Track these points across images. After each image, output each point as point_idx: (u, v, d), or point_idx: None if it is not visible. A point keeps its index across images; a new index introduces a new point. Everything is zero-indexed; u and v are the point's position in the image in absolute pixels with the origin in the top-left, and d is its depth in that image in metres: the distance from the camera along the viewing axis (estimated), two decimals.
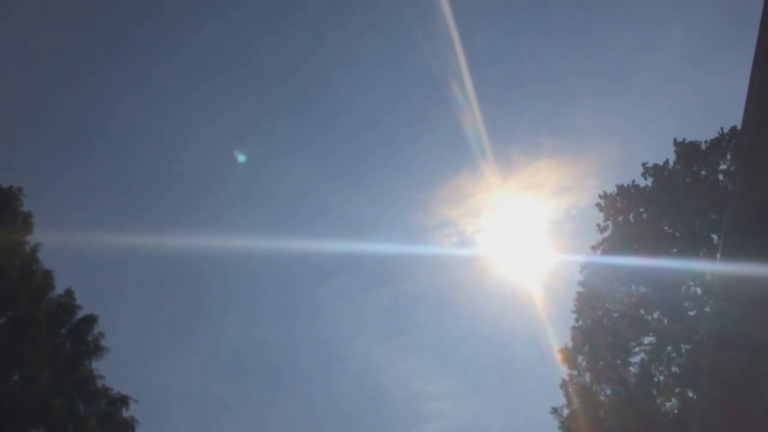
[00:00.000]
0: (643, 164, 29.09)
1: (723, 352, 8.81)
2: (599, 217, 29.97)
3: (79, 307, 23.97)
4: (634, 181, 29.28)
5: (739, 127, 24.39)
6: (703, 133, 32.57)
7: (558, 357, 29.28)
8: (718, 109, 38.02)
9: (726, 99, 33.56)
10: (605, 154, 42.99)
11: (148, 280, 43.50)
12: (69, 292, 23.94)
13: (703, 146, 27.68)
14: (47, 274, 23.13)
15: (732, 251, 7.54)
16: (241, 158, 41.96)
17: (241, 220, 48.03)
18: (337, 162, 48.32)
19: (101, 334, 23.89)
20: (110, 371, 24.38)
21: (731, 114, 27.83)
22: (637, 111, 43.09)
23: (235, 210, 48.84)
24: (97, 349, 23.64)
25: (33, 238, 23.29)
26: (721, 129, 27.58)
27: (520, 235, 38.38)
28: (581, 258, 30.11)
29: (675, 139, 28.50)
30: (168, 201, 48.10)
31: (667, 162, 28.40)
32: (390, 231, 49.04)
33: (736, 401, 9.67)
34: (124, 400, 23.76)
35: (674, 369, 26.93)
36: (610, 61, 42.89)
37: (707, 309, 24.11)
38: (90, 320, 23.82)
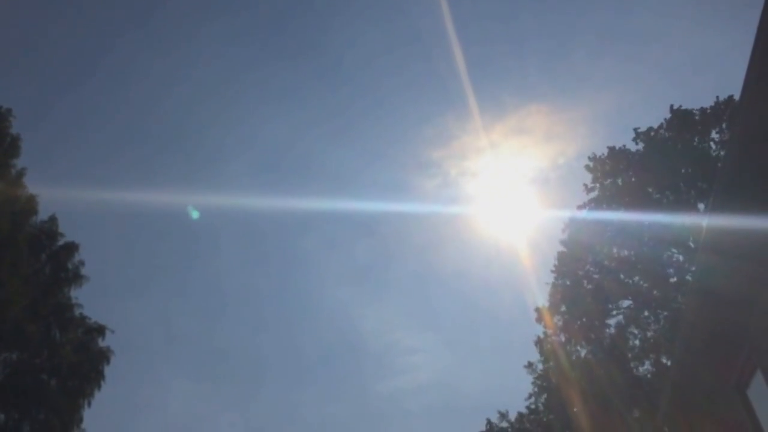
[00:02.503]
0: (635, 129, 29.01)
1: (707, 303, 8.80)
2: (587, 169, 29.88)
3: (61, 234, 23.75)
4: (624, 145, 29.24)
5: (735, 96, 24.26)
6: (701, 88, 32.11)
7: (535, 315, 29.47)
8: (719, 63, 37.53)
9: (727, 55, 33.11)
10: (599, 102, 42.33)
11: (134, 219, 43.25)
12: (52, 219, 23.66)
13: (698, 114, 27.56)
14: (31, 199, 22.74)
15: (723, 204, 7.47)
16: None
17: (225, 165, 47.82)
18: (321, 111, 47.91)
19: (81, 263, 23.67)
20: (89, 301, 24.29)
21: (731, 71, 27.49)
22: (635, 60, 42.38)
23: (220, 154, 48.57)
24: (76, 277, 23.41)
25: (20, 163, 22.94)
26: (717, 98, 27.46)
27: (506, 181, 37.74)
28: (566, 214, 29.97)
29: (672, 106, 28.38)
30: (154, 142, 47.79)
31: (660, 126, 28.29)
32: (374, 178, 48.83)
33: (716, 351, 9.72)
34: (100, 330, 23.64)
35: (650, 334, 27.15)
36: (611, 4, 42.14)
37: (689, 277, 24.24)
38: (71, 248, 23.58)
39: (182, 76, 45.69)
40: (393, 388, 52.23)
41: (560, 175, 41.11)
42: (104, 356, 23.27)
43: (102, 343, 23.51)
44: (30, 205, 22.77)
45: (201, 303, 52.24)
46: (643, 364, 27.07)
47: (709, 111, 27.28)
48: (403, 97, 48.80)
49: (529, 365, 30.09)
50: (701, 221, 23.33)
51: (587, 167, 29.70)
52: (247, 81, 45.97)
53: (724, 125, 26.79)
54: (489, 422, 32.01)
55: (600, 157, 29.50)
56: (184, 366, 49.06)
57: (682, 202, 26.43)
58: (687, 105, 28.10)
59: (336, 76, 47.31)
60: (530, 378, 30.80)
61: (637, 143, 28.99)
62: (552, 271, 28.99)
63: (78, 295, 23.53)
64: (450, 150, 42.48)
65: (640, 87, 42.89)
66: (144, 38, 43.47)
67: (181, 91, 44.91)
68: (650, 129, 28.59)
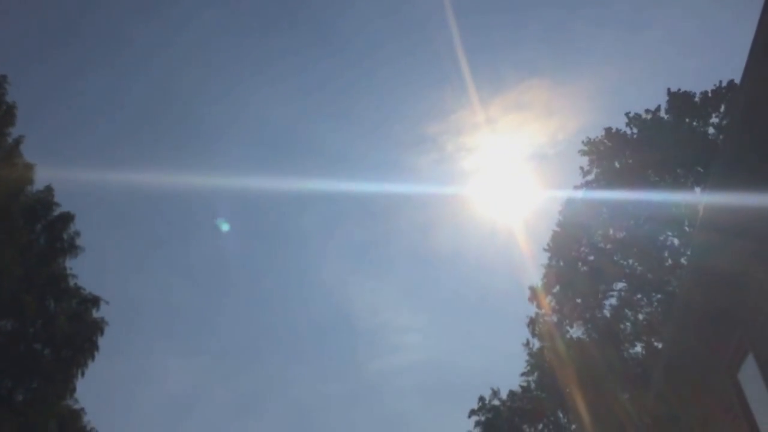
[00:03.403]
0: (626, 114, 28.92)
1: (703, 282, 8.81)
2: (583, 154, 29.75)
3: (57, 205, 23.63)
4: (620, 130, 29.17)
5: (737, 81, 24.11)
6: (706, 62, 31.62)
7: (528, 294, 29.49)
8: (725, 37, 37.06)
9: (734, 28, 32.73)
10: (601, 75, 41.90)
11: (131, 194, 43.15)
12: (48, 188, 23.52)
13: (698, 97, 27.48)
14: (28, 168, 22.60)
15: (722, 182, 7.45)
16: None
17: (220, 140, 47.61)
18: (314, 85, 47.63)
19: (77, 233, 23.60)
20: (87, 275, 24.28)
21: (738, 45, 27.19)
22: (638, 32, 41.75)
23: (217, 130, 48.40)
24: (71, 248, 23.36)
25: (16, 131, 22.71)
26: (720, 82, 27.38)
27: (503, 157, 37.07)
28: (563, 194, 29.80)
29: (668, 89, 28.30)
30: (154, 120, 47.59)
31: (657, 109, 28.23)
32: (369, 156, 48.50)
33: (710, 332, 9.74)
34: (95, 301, 23.62)
35: (642, 317, 27.20)
36: None
37: (684, 260, 24.27)
38: (66, 218, 23.49)
39: (185, 60, 45.42)
40: (386, 366, 52.54)
41: (559, 151, 40.81)
42: (98, 327, 23.25)
43: (96, 314, 23.51)
44: (26, 174, 22.61)
45: (198, 280, 52.34)
46: (634, 346, 27.16)
47: (710, 94, 27.20)
48: (399, 72, 48.61)
49: (527, 343, 30.24)
50: (698, 204, 23.34)
51: (582, 152, 29.61)
52: (245, 63, 45.73)
53: (723, 107, 26.72)
54: (482, 399, 32.20)
55: (595, 140, 29.39)
56: (180, 341, 49.30)
57: (679, 186, 26.41)
58: (691, 79, 28.01)
59: (330, 50, 47.10)
60: (523, 357, 30.96)
61: (631, 128, 28.96)
62: (545, 250, 28.98)
63: (75, 268, 23.55)
64: (446, 125, 42.16)
65: (642, 60, 42.42)
66: (139, 7, 43.13)
67: (182, 67, 44.67)
68: (647, 111, 28.52)
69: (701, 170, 25.58)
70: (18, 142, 22.44)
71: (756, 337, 8.77)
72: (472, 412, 32.14)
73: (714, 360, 10.19)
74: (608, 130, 29.15)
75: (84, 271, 23.76)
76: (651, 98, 29.72)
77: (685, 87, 28.04)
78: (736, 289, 8.79)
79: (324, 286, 53.21)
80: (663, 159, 26.81)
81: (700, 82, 27.87)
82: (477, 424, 32.03)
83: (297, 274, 54.18)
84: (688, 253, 17.47)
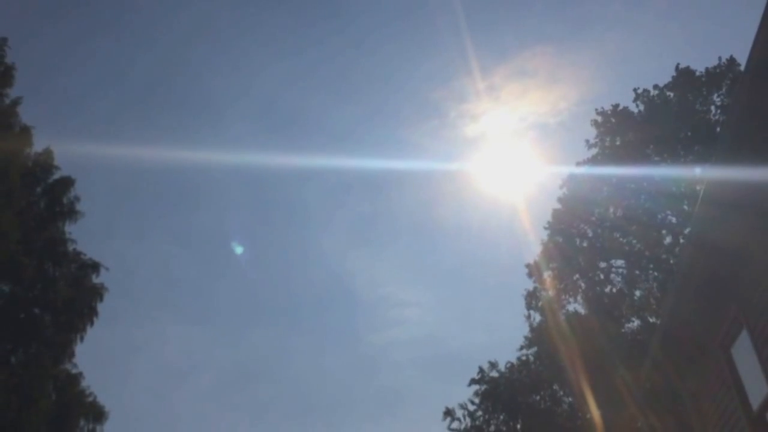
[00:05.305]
0: (635, 89, 28.83)
1: (703, 255, 8.82)
2: (588, 114, 29.72)
3: (57, 168, 23.41)
4: (622, 106, 29.08)
5: (737, 57, 23.86)
6: (713, 34, 31.22)
7: (526, 269, 29.54)
8: (734, 14, 36.63)
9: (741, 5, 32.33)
10: (605, 46, 41.33)
11: (131, 161, 42.91)
12: (47, 151, 23.21)
13: (702, 75, 27.35)
14: (26, 130, 22.38)
15: (725, 157, 7.42)
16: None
17: (229, 116, 47.31)
18: (327, 69, 47.13)
19: (77, 198, 23.33)
20: (90, 243, 24.18)
21: (744, 19, 26.90)
22: (645, 2, 41.18)
23: (226, 104, 48.11)
24: (71, 213, 23.15)
25: (14, 92, 22.43)
26: (720, 59, 27.26)
27: (505, 125, 36.62)
28: (564, 170, 29.71)
29: (677, 65, 28.19)
30: (158, 92, 47.31)
31: (656, 87, 28.17)
32: (372, 130, 48.21)
33: (707, 306, 9.77)
34: (95, 267, 23.47)
35: (638, 294, 27.27)
36: None
37: (682, 239, 24.29)
38: (66, 182, 23.26)
39: (188, 23, 45.08)
40: (385, 339, 52.53)
41: (560, 120, 40.32)
42: (98, 293, 23.10)
43: (96, 280, 23.42)
44: (25, 136, 22.37)
45: (199, 250, 52.32)
46: (631, 321, 27.24)
47: (712, 71, 27.08)
48: (404, 47, 48.10)
49: (528, 316, 30.37)
50: (697, 183, 23.36)
51: (594, 122, 29.47)
52: (250, 32, 45.38)
53: (726, 82, 26.61)
54: (481, 370, 32.31)
55: (607, 111, 29.26)
56: (180, 309, 49.40)
57: (679, 165, 26.38)
58: (697, 52, 27.91)
59: (336, 25, 46.70)
60: (522, 333, 31.08)
61: (637, 105, 28.87)
62: (545, 228, 29.03)
63: (75, 234, 23.39)
64: (449, 92, 41.75)
65: (648, 32, 41.78)
66: None
67: (188, 40, 44.30)
68: (650, 89, 28.46)
69: (701, 150, 25.50)
70: (15, 103, 22.18)
71: (751, 312, 8.79)
72: (473, 381, 32.29)
73: (709, 333, 10.23)
74: (615, 106, 29.12)
75: (85, 238, 23.62)
76: (655, 71, 29.58)
77: (690, 60, 28.01)
78: (735, 263, 8.81)
79: (325, 259, 53.16)
80: (664, 137, 26.76)
81: (706, 55, 27.64)
82: (476, 393, 32.19)
83: (298, 246, 54.10)
84: (687, 230, 17.47)
